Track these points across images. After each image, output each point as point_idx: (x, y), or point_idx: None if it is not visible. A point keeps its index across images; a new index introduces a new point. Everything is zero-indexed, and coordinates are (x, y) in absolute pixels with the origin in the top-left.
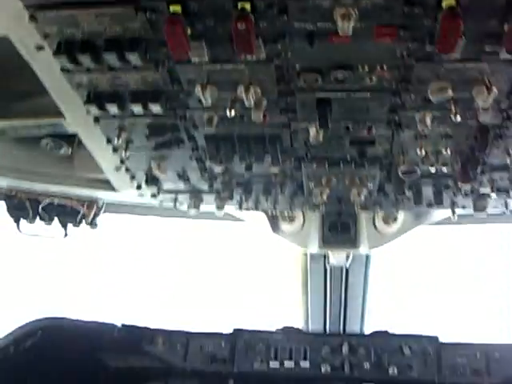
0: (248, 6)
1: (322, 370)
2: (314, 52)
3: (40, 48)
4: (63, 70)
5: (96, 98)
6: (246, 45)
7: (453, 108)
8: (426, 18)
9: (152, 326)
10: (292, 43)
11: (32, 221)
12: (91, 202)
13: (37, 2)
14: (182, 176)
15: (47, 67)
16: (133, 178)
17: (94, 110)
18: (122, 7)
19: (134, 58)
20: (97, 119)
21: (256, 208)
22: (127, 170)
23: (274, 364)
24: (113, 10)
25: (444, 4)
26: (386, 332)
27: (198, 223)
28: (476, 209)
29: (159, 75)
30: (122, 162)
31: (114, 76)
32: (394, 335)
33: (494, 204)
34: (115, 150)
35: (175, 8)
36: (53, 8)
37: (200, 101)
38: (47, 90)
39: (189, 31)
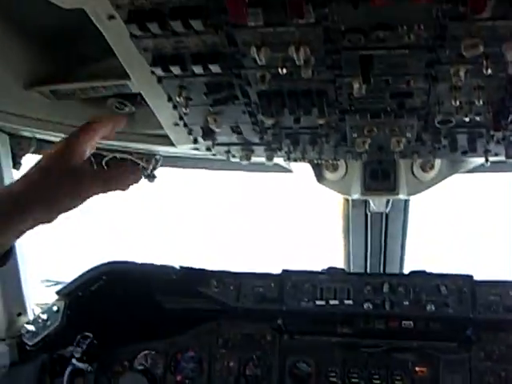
0: None
1: (365, 307)
2: (358, 14)
3: (111, 17)
4: (132, 36)
5: (160, 60)
6: (298, 10)
7: (484, 62)
8: None
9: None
10: (338, 7)
11: None
12: (150, 156)
13: None
14: (236, 130)
15: (117, 34)
16: (190, 132)
17: (159, 72)
18: None
19: (196, 24)
20: (160, 79)
21: (303, 158)
22: (185, 125)
23: (319, 302)
24: None
25: None
26: (423, 271)
27: (248, 177)
28: (508, 156)
29: (218, 38)
30: (180, 118)
31: (178, 40)
32: (431, 274)
33: None
34: (175, 107)
35: None
36: None
37: (254, 60)
38: (116, 54)
39: None
